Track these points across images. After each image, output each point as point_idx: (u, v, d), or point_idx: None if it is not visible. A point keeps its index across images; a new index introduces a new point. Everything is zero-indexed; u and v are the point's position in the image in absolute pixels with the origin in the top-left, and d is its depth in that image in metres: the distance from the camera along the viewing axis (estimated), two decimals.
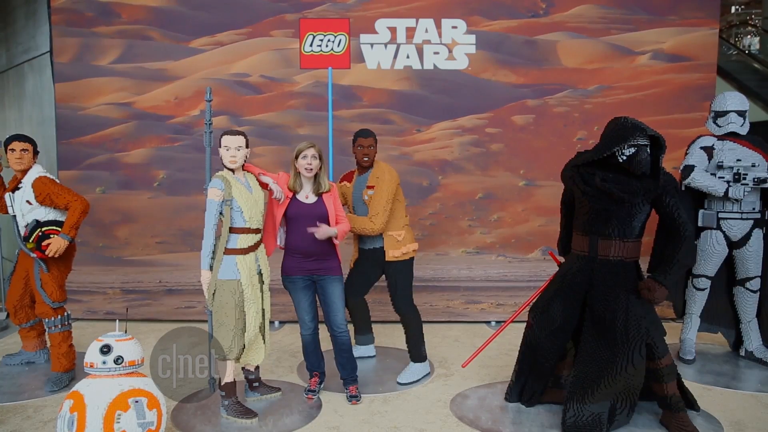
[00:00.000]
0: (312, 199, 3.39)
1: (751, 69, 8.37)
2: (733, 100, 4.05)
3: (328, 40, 4.34)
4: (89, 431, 2.49)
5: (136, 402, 2.59)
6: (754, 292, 4.13)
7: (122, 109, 5.33)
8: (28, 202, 3.75)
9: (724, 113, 4.05)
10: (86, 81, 5.33)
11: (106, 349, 2.66)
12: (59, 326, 3.82)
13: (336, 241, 3.42)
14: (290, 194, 3.37)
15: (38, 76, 6.19)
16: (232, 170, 3.27)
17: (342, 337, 3.46)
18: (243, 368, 3.56)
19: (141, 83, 5.33)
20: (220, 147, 3.24)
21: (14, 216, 3.82)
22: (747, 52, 9.67)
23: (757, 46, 10.49)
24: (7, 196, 3.83)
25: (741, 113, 4.04)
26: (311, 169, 3.31)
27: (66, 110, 5.34)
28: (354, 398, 3.49)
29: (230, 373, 3.29)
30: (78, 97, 5.33)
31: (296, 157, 3.34)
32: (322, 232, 3.28)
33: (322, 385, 3.66)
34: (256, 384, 3.57)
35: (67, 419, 2.52)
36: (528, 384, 3.46)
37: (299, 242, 3.36)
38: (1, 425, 3.22)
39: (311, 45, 4.43)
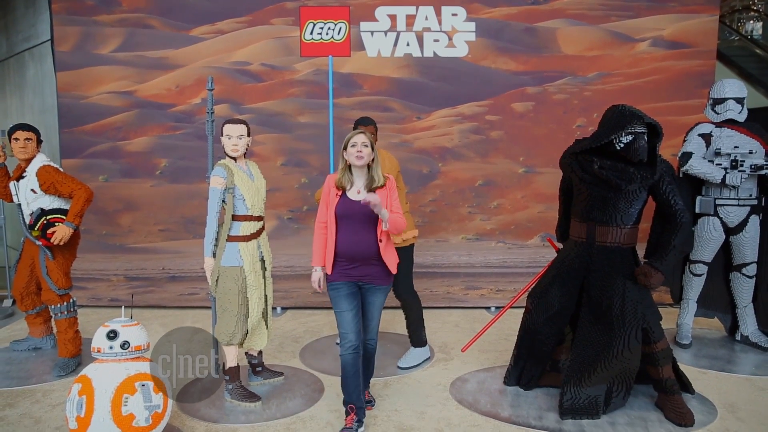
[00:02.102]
0: (363, 195, 2.96)
1: (753, 54, 8.34)
2: (731, 87, 4.07)
3: (329, 28, 4.34)
4: (97, 414, 2.55)
5: (143, 386, 2.65)
6: (750, 277, 4.18)
7: (124, 97, 5.35)
8: (32, 190, 3.79)
9: (723, 100, 4.07)
10: (87, 70, 5.35)
11: (112, 335, 2.72)
12: (65, 313, 3.89)
13: (384, 228, 2.94)
14: (339, 192, 3.00)
15: (39, 64, 6.21)
16: (234, 158, 3.30)
17: (369, 346, 3.18)
18: (246, 353, 3.62)
19: (142, 72, 5.35)
20: (222, 135, 3.28)
21: (19, 204, 3.87)
22: (749, 37, 9.61)
23: (760, 32, 10.42)
24: (11, 184, 3.87)
25: (739, 100, 4.06)
26: (362, 157, 2.92)
27: (68, 99, 5.36)
28: (368, 403, 3.24)
29: (234, 357, 3.35)
30: (80, 86, 5.35)
31: (345, 148, 2.98)
32: (373, 200, 2.82)
33: (362, 426, 3.00)
34: (259, 369, 3.64)
35: (76, 402, 2.59)
36: (526, 368, 3.52)
37: (344, 244, 2.97)
38: (12, 408, 3.29)
39: (311, 33, 4.42)
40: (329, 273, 3.02)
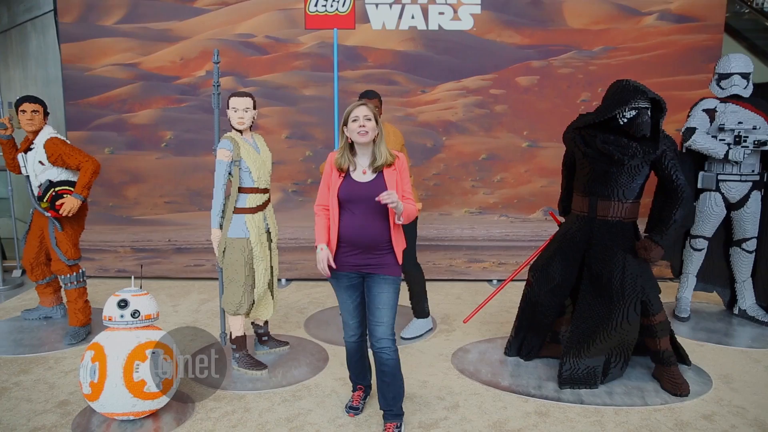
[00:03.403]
0: (369, 176, 2.63)
1: (763, 28, 8.21)
2: (737, 62, 4.05)
3: (333, 0, 4.31)
4: (110, 380, 2.64)
5: (153, 353, 2.73)
6: (750, 252, 4.22)
7: (128, 69, 5.35)
8: (40, 162, 3.83)
9: (728, 75, 4.06)
10: (91, 41, 5.34)
11: (123, 304, 2.79)
12: (75, 283, 3.96)
13: (397, 221, 2.59)
14: (343, 173, 2.65)
15: (42, 35, 6.18)
16: (240, 131, 3.33)
17: (383, 355, 2.66)
18: (252, 323, 3.70)
19: (146, 44, 5.33)
20: (228, 108, 3.29)
21: (27, 176, 3.91)
22: (760, 9, 9.42)
23: None
24: (20, 156, 3.91)
25: (745, 75, 4.04)
26: (365, 133, 2.55)
27: (72, 71, 5.36)
28: None
29: (240, 327, 3.42)
30: (84, 58, 5.35)
31: (345, 123, 2.61)
32: (387, 197, 2.45)
33: (366, 400, 3.01)
34: (265, 338, 3.71)
35: (89, 368, 2.67)
36: (527, 339, 3.59)
37: (347, 230, 2.63)
38: (26, 374, 3.39)
39: (316, 5, 4.39)
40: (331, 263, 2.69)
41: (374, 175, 2.62)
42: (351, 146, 2.64)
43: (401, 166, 2.66)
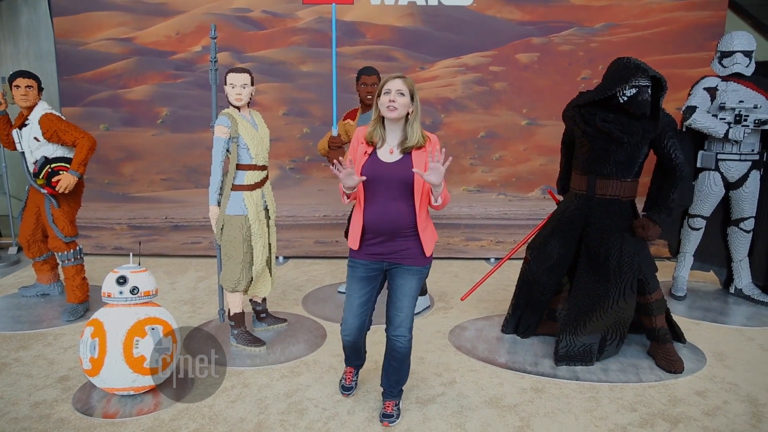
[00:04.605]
0: (396, 156, 2.47)
1: None
2: (740, 40, 4.00)
3: None
4: (110, 355, 2.65)
5: (153, 329, 2.74)
6: (748, 232, 4.23)
7: (123, 44, 5.27)
8: (35, 138, 3.79)
9: (730, 53, 4.02)
10: (85, 15, 5.24)
11: (122, 280, 2.79)
12: (72, 260, 3.95)
13: (435, 203, 2.47)
14: (370, 149, 2.51)
15: (33, 9, 6.08)
16: (238, 108, 3.29)
17: (397, 342, 2.58)
18: (250, 300, 3.71)
19: (141, 18, 5.24)
20: (225, 84, 3.25)
21: (22, 152, 3.87)
22: None
23: None
24: (14, 132, 3.86)
25: (747, 54, 4.00)
26: (395, 109, 2.40)
27: (66, 45, 5.28)
28: (387, 418, 2.66)
29: (239, 304, 3.43)
30: (78, 32, 5.26)
31: (378, 95, 2.46)
32: (434, 180, 2.36)
33: (358, 376, 3.01)
34: (263, 315, 3.73)
35: (89, 344, 2.68)
36: (523, 317, 3.61)
37: (369, 213, 2.50)
38: (25, 350, 3.40)
39: None
40: (355, 248, 2.57)
41: (401, 156, 2.46)
42: (383, 120, 2.49)
43: (434, 150, 2.45)
